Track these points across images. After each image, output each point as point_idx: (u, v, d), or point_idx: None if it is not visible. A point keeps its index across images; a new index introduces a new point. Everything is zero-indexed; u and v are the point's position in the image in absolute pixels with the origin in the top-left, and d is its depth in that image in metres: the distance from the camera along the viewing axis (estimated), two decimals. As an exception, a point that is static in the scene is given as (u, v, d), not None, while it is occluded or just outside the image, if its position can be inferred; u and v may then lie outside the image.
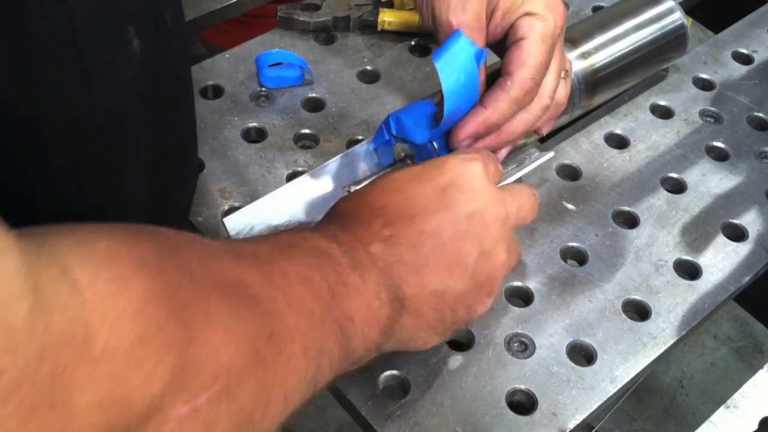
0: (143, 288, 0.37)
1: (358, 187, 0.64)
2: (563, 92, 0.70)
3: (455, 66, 0.63)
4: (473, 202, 0.59)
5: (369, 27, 0.93)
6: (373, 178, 0.66)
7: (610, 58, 0.80)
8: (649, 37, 0.82)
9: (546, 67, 0.66)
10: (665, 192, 0.81)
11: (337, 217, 0.59)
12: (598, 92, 0.81)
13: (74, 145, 0.54)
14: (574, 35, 0.80)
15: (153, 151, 0.60)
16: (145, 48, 0.54)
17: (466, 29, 0.65)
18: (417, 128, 0.67)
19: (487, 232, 0.59)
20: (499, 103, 0.65)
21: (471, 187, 0.59)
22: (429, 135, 0.67)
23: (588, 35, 0.80)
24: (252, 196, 0.76)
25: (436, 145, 0.67)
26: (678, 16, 0.84)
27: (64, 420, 0.33)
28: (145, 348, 0.36)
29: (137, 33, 0.53)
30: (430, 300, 0.58)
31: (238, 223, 0.68)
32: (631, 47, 0.81)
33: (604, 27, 0.81)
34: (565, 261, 0.75)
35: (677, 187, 0.82)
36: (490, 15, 0.66)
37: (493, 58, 0.68)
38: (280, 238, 0.53)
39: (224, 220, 0.68)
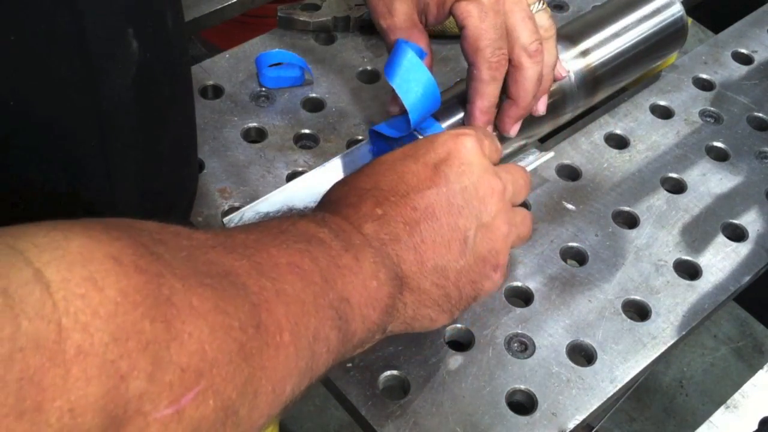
0: (118, 287, 0.36)
1: None
2: (546, 21, 0.71)
3: (410, 81, 0.67)
4: (466, 176, 0.59)
5: (369, 27, 0.93)
6: None
7: (609, 55, 0.80)
8: (648, 32, 0.82)
9: (500, 37, 0.67)
10: (665, 192, 0.81)
11: (328, 204, 0.59)
12: (599, 90, 0.80)
13: (73, 142, 0.54)
14: (572, 33, 0.79)
15: (150, 153, 0.59)
16: (143, 49, 0.54)
17: (398, 32, 0.68)
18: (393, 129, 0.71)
19: (484, 205, 0.59)
20: (480, 90, 0.68)
21: (462, 161, 0.59)
22: (403, 132, 0.70)
23: (586, 32, 0.80)
24: (252, 196, 0.76)
25: (419, 136, 0.70)
26: (677, 9, 0.84)
27: (35, 427, 0.32)
28: (120, 349, 0.35)
29: (136, 34, 0.53)
30: (432, 276, 0.57)
31: (238, 222, 0.68)
32: (630, 43, 0.81)
33: (602, 23, 0.81)
34: (565, 261, 0.75)
35: (677, 187, 0.82)
36: (424, 10, 0.68)
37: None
38: (269, 225, 0.53)
39: (224, 220, 0.68)
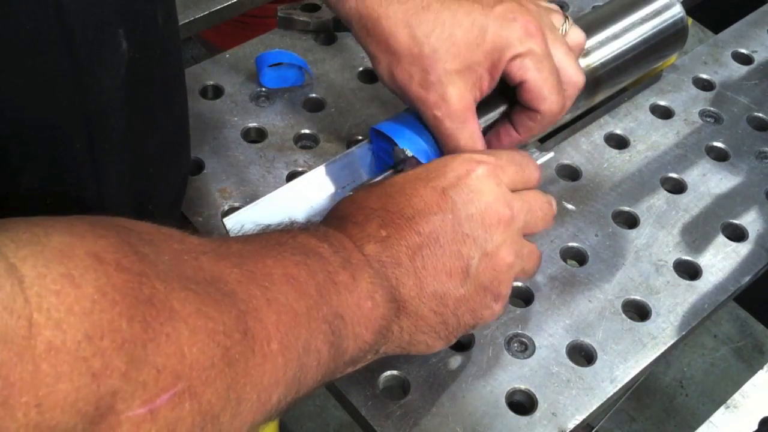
0: (96, 285, 0.36)
1: None
2: (579, 35, 0.72)
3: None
4: (473, 204, 0.58)
5: (369, 27, 0.93)
6: (376, 180, 0.66)
7: (610, 56, 0.79)
8: (649, 33, 0.82)
9: (559, 81, 0.66)
10: (665, 192, 0.81)
11: (334, 219, 0.59)
12: (599, 90, 0.80)
13: (61, 142, 0.53)
14: None
15: (138, 153, 0.59)
16: (133, 49, 0.53)
17: (454, 118, 0.65)
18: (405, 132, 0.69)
19: (489, 234, 0.58)
20: (532, 129, 0.68)
21: (471, 188, 0.59)
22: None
23: (586, 33, 0.80)
24: (252, 196, 0.76)
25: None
26: (678, 10, 0.83)
27: (1, 422, 0.32)
28: (93, 347, 0.35)
29: (126, 35, 0.52)
30: (430, 302, 0.57)
31: (238, 223, 0.68)
32: (630, 44, 0.81)
33: (602, 24, 0.81)
34: (565, 261, 0.75)
35: (677, 187, 0.82)
36: (478, 82, 0.65)
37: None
38: (268, 237, 0.53)
39: (224, 220, 0.68)
